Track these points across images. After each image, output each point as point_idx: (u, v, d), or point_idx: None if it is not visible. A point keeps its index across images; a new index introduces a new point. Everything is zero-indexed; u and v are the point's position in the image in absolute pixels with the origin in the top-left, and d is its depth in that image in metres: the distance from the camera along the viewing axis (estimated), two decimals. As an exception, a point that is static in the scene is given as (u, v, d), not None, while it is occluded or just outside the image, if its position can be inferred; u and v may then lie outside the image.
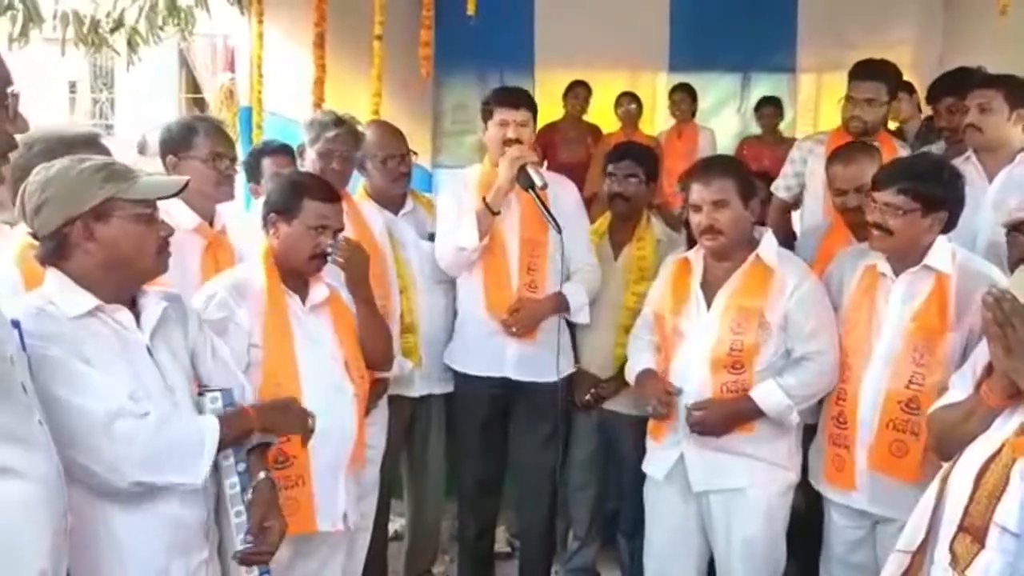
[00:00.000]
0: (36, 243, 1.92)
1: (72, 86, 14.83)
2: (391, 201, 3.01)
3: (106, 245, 1.71)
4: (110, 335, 1.72)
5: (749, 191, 2.44)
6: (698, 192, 2.41)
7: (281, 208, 2.28)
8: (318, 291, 2.34)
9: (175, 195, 1.82)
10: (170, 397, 1.76)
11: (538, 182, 2.73)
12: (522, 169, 2.74)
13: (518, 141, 2.79)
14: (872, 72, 3.10)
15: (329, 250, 2.30)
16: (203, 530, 1.81)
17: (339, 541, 2.36)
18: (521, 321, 2.83)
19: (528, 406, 2.89)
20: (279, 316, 2.24)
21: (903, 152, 3.01)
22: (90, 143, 2.07)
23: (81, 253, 1.70)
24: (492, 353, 2.88)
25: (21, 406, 1.35)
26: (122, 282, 1.76)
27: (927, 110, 4.27)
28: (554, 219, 2.77)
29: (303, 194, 2.27)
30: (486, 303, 2.87)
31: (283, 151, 3.30)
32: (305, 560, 2.28)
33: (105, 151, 2.04)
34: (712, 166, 2.51)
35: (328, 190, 2.36)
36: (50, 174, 1.70)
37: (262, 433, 1.89)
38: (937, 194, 2.24)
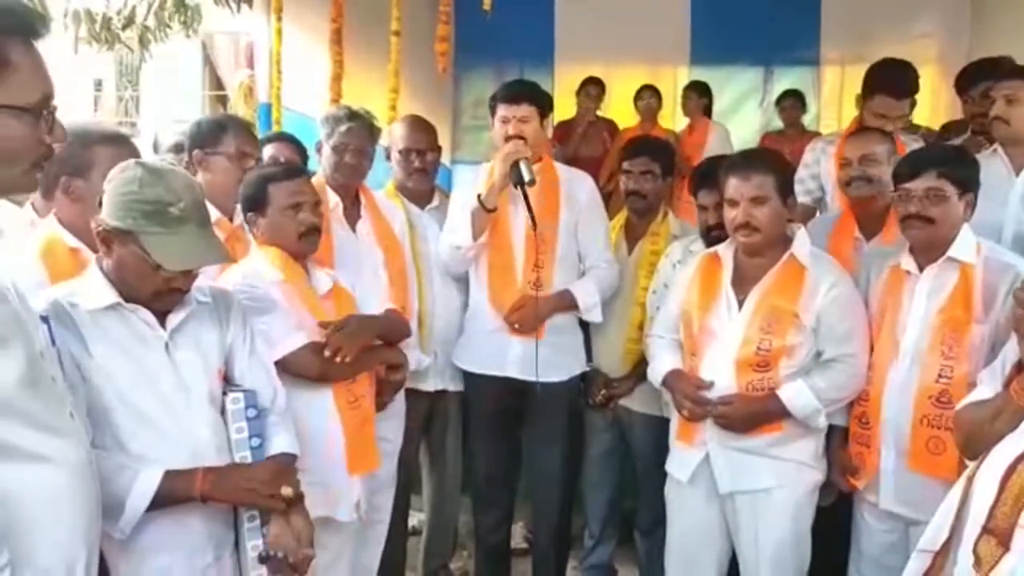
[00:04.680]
0: (60, 238, 1.95)
1: (98, 84, 15.01)
2: (415, 195, 2.99)
3: (116, 261, 1.75)
4: (125, 331, 1.74)
5: (788, 187, 2.40)
6: (735, 187, 2.35)
7: (252, 204, 2.28)
8: (322, 281, 2.33)
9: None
10: (184, 395, 1.78)
11: (526, 177, 2.67)
12: (515, 165, 2.69)
13: (519, 137, 2.73)
14: (902, 90, 3.06)
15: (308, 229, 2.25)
16: (209, 537, 1.80)
17: (352, 532, 2.36)
18: (523, 318, 2.77)
19: (538, 405, 2.84)
20: (308, 299, 2.25)
21: (914, 146, 2.95)
22: (115, 140, 2.07)
23: (108, 254, 1.75)
24: (496, 351, 2.83)
25: (53, 397, 1.37)
26: (130, 296, 1.75)
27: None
28: (533, 217, 2.71)
29: (266, 182, 2.27)
30: (490, 300, 2.84)
31: (283, 139, 3.31)
32: (318, 551, 2.27)
33: (134, 151, 2.05)
34: (751, 161, 2.44)
35: (290, 169, 2.37)
36: (116, 175, 1.72)
37: (212, 499, 1.77)
38: (968, 175, 2.22)
